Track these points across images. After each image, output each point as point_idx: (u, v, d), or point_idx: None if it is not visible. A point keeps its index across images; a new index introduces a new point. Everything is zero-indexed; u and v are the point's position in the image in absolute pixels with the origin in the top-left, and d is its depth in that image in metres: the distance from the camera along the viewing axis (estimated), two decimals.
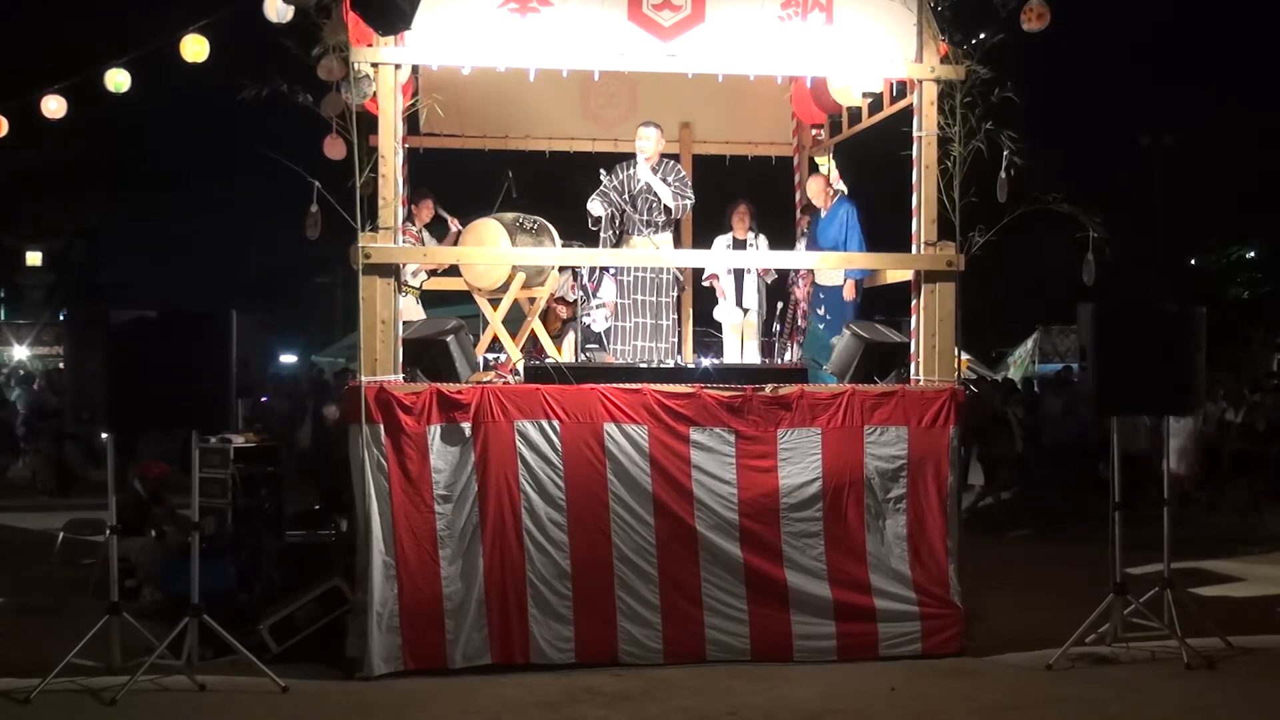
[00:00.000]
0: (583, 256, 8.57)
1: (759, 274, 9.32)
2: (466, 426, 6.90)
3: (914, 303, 7.49)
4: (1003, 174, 7.21)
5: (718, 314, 9.28)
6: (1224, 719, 6.22)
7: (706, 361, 7.99)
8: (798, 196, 10.03)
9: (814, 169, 9.79)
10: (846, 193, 9.32)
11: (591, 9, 7.16)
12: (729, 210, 9.50)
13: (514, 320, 8.93)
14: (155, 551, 8.44)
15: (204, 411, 6.84)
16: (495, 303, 8.54)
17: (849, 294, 8.90)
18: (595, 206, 8.46)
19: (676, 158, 9.40)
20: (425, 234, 9.46)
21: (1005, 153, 7.18)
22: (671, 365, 8.06)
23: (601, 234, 8.51)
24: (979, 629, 7.48)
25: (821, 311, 8.97)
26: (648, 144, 8.39)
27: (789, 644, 7.04)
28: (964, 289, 7.41)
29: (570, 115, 9.70)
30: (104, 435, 7.32)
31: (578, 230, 8.68)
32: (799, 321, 9.38)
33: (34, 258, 37.04)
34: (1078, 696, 6.46)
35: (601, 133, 9.77)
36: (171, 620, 6.93)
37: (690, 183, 8.77)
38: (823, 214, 9.14)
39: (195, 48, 8.79)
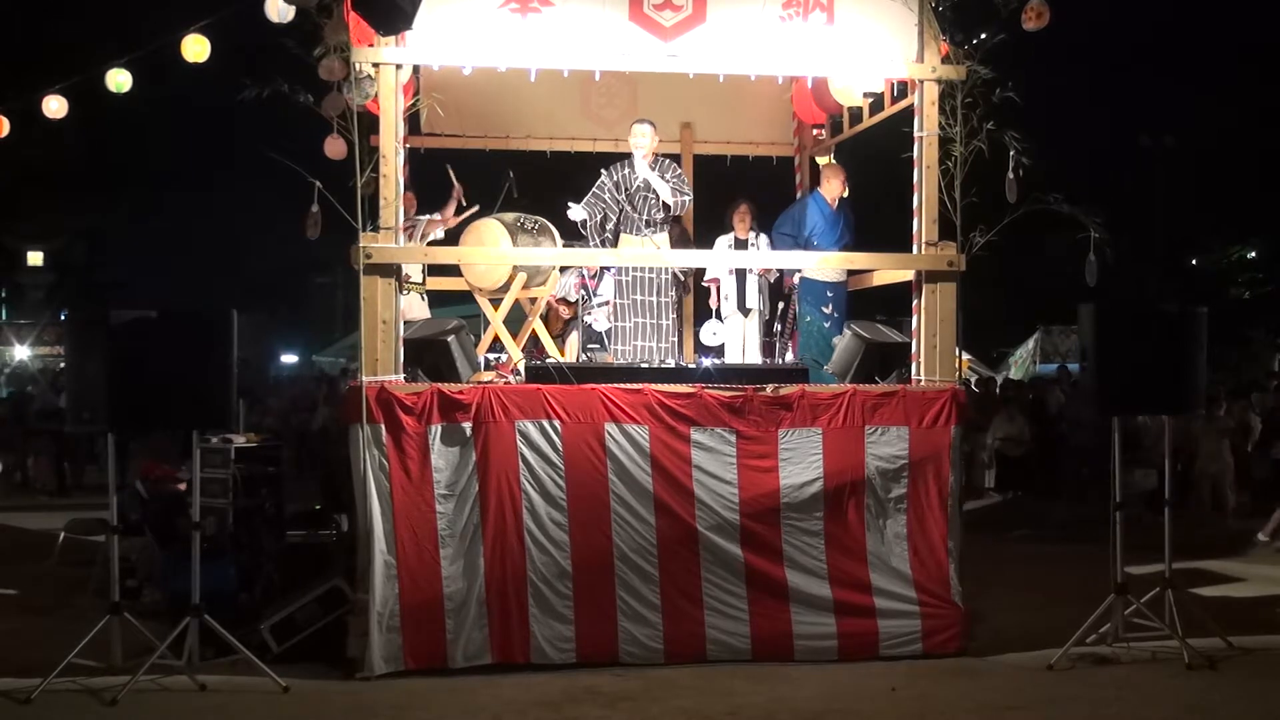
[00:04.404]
0: (583, 256, 8.56)
1: (760, 274, 9.31)
2: (467, 426, 6.90)
3: (915, 303, 7.49)
4: (1010, 175, 7.21)
5: (703, 333, 9.12)
6: (1224, 719, 6.22)
7: (707, 361, 7.98)
8: (799, 197, 10.01)
9: (815, 168, 9.77)
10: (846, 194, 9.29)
11: (592, 9, 7.17)
12: (730, 210, 9.48)
13: (516, 320, 8.93)
14: (155, 551, 8.44)
15: (204, 411, 6.84)
16: (496, 303, 8.54)
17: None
18: (575, 212, 8.35)
19: (677, 158, 9.40)
20: (418, 221, 9.43)
21: (1012, 153, 7.18)
22: (672, 365, 8.06)
23: (590, 239, 8.44)
24: (979, 629, 7.48)
25: (829, 310, 8.92)
26: (645, 140, 8.37)
27: (790, 644, 7.04)
28: (965, 289, 7.41)
29: (571, 115, 9.70)
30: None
31: (578, 230, 8.67)
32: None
33: (34, 258, 37.03)
34: (1079, 696, 6.46)
35: (602, 133, 9.76)
36: (172, 620, 6.94)
37: (687, 180, 8.78)
38: (830, 206, 9.02)
39: (196, 48, 8.79)
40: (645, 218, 8.47)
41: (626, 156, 8.58)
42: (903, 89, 7.94)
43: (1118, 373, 7.18)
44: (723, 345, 9.11)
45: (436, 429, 6.89)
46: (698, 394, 7.09)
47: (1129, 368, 7.16)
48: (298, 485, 11.16)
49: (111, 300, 31.48)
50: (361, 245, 6.88)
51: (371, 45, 6.99)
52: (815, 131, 9.96)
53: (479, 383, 7.19)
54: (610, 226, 8.49)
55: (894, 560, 7.21)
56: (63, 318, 23.03)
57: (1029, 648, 7.22)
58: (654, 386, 7.11)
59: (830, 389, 7.33)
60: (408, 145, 8.25)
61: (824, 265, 8.77)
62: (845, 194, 9.06)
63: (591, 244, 8.42)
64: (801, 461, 7.13)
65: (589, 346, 9.00)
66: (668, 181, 8.39)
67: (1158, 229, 27.44)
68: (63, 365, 16.58)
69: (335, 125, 6.89)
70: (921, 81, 7.40)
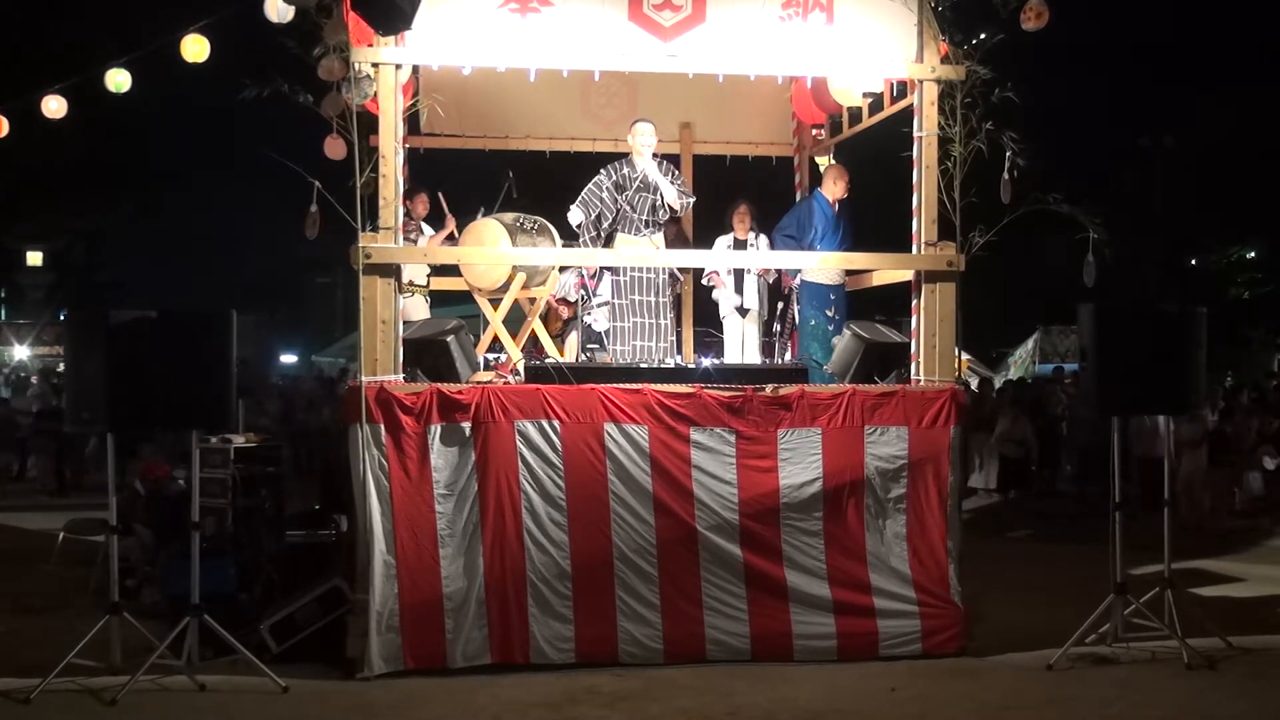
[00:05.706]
0: (583, 256, 8.55)
1: (759, 274, 9.30)
2: (467, 426, 6.90)
3: (914, 303, 7.49)
4: (1006, 175, 7.21)
5: (719, 298, 9.16)
6: (1224, 719, 6.22)
7: (707, 361, 7.98)
8: (798, 197, 10.02)
9: (814, 168, 9.77)
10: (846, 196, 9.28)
11: (592, 9, 7.17)
12: (729, 211, 9.48)
13: (516, 320, 8.93)
14: (151, 546, 8.44)
15: (204, 411, 6.84)
16: (495, 303, 8.54)
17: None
18: (574, 215, 8.39)
19: (677, 158, 9.40)
20: (424, 226, 9.45)
21: (1008, 154, 7.18)
22: (672, 365, 8.05)
23: (584, 237, 8.43)
24: (979, 629, 7.48)
25: (831, 313, 8.92)
26: (650, 139, 8.38)
27: (789, 644, 7.04)
28: (964, 289, 7.41)
29: (570, 115, 9.70)
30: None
31: (576, 231, 8.66)
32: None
33: (34, 258, 37.04)
34: (1078, 696, 6.46)
35: (601, 132, 9.76)
36: (172, 620, 6.94)
37: (686, 182, 8.78)
38: (832, 208, 9.02)
39: (195, 48, 8.80)
40: (645, 218, 8.46)
41: (626, 156, 8.58)
42: (902, 89, 7.94)
43: (1117, 373, 7.18)
44: (722, 344, 9.12)
45: (436, 429, 6.89)
46: (697, 394, 7.09)
47: (1128, 368, 7.16)
48: (297, 485, 11.17)
49: (111, 300, 31.53)
50: (361, 245, 6.88)
51: (371, 45, 6.99)
52: (815, 131, 9.96)
53: (478, 383, 7.19)
54: (605, 225, 8.48)
55: (893, 560, 7.21)
56: (63, 318, 22.98)
57: (1029, 648, 7.22)
58: (653, 386, 7.11)
59: (830, 389, 7.33)
60: (407, 145, 8.25)
61: (824, 266, 8.76)
62: (846, 196, 9.05)
63: (584, 239, 8.41)
64: (801, 461, 7.13)
65: (588, 346, 9.00)
66: (674, 185, 8.40)
67: (1158, 229, 27.45)
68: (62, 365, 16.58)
69: (335, 125, 6.89)
70: (921, 81, 7.40)
